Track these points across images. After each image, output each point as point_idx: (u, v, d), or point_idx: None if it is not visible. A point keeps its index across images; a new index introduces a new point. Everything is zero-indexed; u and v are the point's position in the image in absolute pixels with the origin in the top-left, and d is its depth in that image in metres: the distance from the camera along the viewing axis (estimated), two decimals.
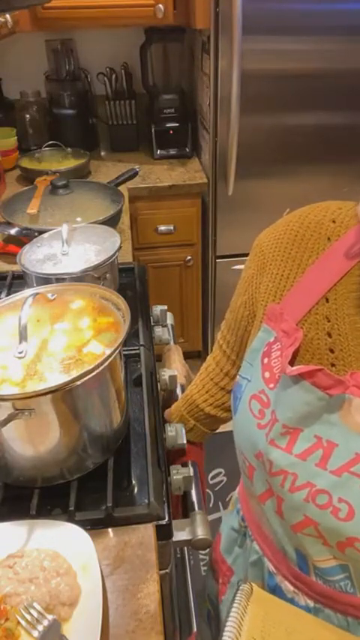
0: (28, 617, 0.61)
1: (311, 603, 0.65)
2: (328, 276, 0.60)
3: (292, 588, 0.67)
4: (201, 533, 0.76)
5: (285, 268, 0.64)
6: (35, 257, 1.07)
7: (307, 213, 0.65)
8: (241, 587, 0.65)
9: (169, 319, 1.24)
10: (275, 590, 0.69)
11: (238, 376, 0.68)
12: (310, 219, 0.64)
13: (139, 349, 1.03)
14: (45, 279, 1.02)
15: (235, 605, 0.63)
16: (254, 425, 0.62)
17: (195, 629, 0.97)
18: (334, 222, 0.62)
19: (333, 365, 0.59)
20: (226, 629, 0.60)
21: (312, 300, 0.60)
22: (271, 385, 0.61)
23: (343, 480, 0.55)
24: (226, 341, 0.80)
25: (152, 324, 1.17)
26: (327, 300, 0.60)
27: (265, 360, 0.62)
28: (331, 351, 0.59)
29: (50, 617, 0.61)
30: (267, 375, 0.62)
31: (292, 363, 0.58)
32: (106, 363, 0.72)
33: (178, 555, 1.13)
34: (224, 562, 0.86)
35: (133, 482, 0.80)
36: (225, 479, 2.01)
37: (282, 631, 0.61)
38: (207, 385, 0.85)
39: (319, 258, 0.62)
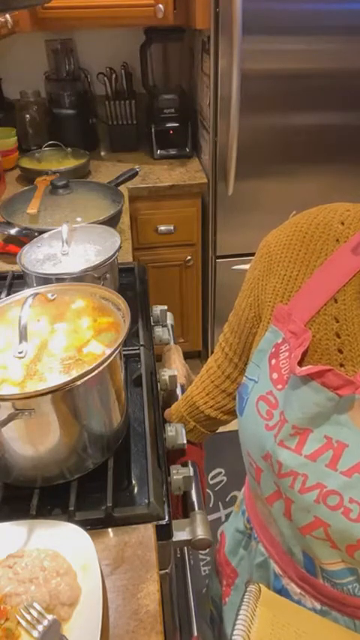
0: (28, 617, 0.61)
1: (318, 606, 0.65)
2: (337, 277, 0.60)
3: (298, 590, 0.67)
4: (201, 533, 0.76)
5: (293, 269, 0.64)
6: (35, 257, 1.07)
7: (316, 215, 0.64)
8: (248, 589, 0.65)
9: (169, 319, 1.24)
10: (281, 593, 0.69)
11: (244, 377, 0.68)
12: (318, 221, 0.64)
13: (139, 349, 1.03)
14: (45, 279, 1.02)
15: (243, 607, 0.63)
16: (262, 426, 0.61)
17: (195, 630, 0.97)
18: (342, 223, 0.62)
19: (342, 365, 0.59)
20: (235, 631, 0.60)
21: (320, 300, 0.60)
22: (280, 386, 0.61)
23: (353, 480, 0.55)
24: (228, 343, 0.80)
25: (152, 324, 1.17)
26: (335, 301, 0.60)
27: (273, 361, 0.62)
28: (340, 351, 0.59)
29: (50, 617, 0.61)
30: (275, 376, 0.61)
31: (300, 363, 0.58)
32: (106, 363, 0.72)
33: (178, 555, 1.13)
34: (228, 564, 0.86)
35: (133, 482, 0.80)
36: (225, 479, 2.01)
37: (291, 633, 0.60)
38: (208, 387, 0.85)
39: (327, 259, 0.61)
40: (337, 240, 0.62)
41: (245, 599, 0.64)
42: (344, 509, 0.55)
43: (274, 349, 0.63)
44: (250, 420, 0.64)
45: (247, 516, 0.80)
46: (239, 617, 0.61)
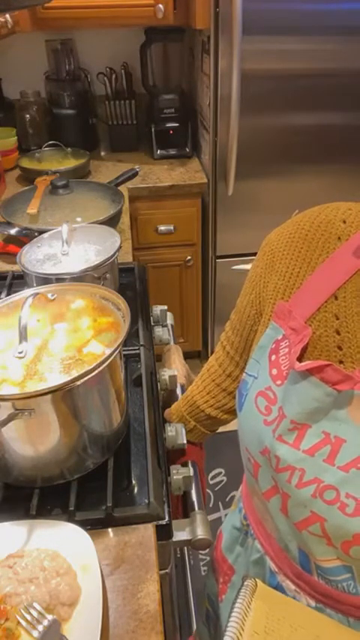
0: (28, 617, 0.61)
1: (313, 603, 0.65)
2: (338, 275, 0.60)
3: (293, 587, 0.67)
4: (201, 533, 0.76)
5: (295, 267, 0.64)
6: (35, 257, 1.07)
7: (318, 214, 0.65)
8: (245, 583, 0.65)
9: (169, 319, 1.24)
10: (276, 589, 0.69)
11: (244, 373, 0.68)
12: (320, 219, 0.64)
13: (139, 349, 1.03)
14: (45, 279, 1.02)
15: (239, 600, 0.63)
16: (260, 421, 0.62)
17: (195, 630, 0.97)
18: (344, 222, 0.63)
19: (341, 362, 0.59)
20: (229, 624, 0.60)
21: (321, 298, 0.61)
22: (279, 382, 0.61)
23: (350, 475, 0.55)
24: (230, 341, 0.80)
25: (152, 324, 1.17)
26: (336, 298, 0.60)
27: (273, 357, 0.63)
28: (340, 348, 0.59)
29: (50, 617, 0.61)
30: (274, 371, 0.62)
31: (300, 360, 0.58)
32: (106, 363, 0.72)
33: (178, 555, 1.14)
34: (225, 561, 0.86)
35: (133, 482, 0.80)
36: (225, 479, 2.01)
37: (286, 627, 0.61)
38: (208, 386, 0.85)
39: (329, 257, 0.62)
40: (339, 238, 0.62)
41: (241, 593, 0.64)
42: (340, 504, 0.55)
43: (274, 345, 0.63)
44: (249, 416, 0.64)
45: (243, 513, 0.80)
46: (234, 610, 0.61)
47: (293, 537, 0.63)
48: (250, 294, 0.72)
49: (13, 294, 0.86)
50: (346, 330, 0.59)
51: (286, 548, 0.65)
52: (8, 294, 1.16)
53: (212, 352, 0.87)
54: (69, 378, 0.68)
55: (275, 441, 0.59)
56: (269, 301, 0.67)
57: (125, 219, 1.66)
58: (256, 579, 0.67)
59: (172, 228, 2.07)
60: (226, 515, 1.73)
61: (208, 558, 1.76)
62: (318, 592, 0.64)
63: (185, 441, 0.86)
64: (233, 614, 0.61)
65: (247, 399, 0.65)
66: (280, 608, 0.63)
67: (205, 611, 0.96)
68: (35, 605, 0.62)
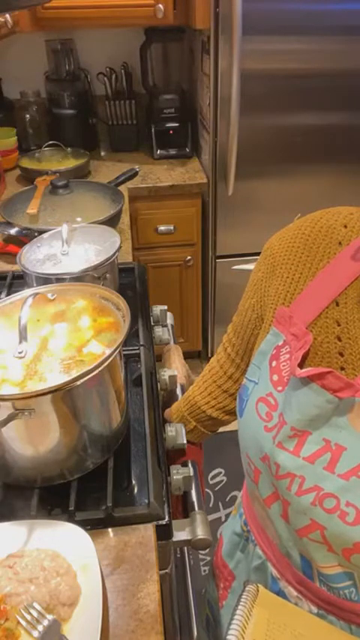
0: (28, 617, 0.61)
1: (315, 609, 0.65)
2: (339, 280, 0.60)
3: (295, 594, 0.67)
4: (201, 533, 0.76)
5: (296, 272, 0.64)
6: (35, 257, 1.07)
7: (319, 218, 0.65)
8: (247, 589, 0.65)
9: (169, 319, 1.24)
10: (278, 596, 0.69)
11: (244, 379, 0.68)
12: (321, 224, 0.64)
13: (139, 349, 1.03)
14: (45, 279, 1.02)
15: (240, 606, 0.62)
16: (261, 427, 0.61)
17: (195, 630, 0.97)
18: (345, 227, 0.62)
19: (342, 368, 0.59)
20: (230, 630, 0.59)
21: (322, 303, 0.60)
22: (280, 388, 0.60)
23: (351, 483, 0.54)
24: (231, 344, 0.80)
25: (152, 324, 1.17)
26: (337, 304, 0.60)
27: (274, 363, 0.62)
28: (341, 354, 0.59)
29: (50, 617, 0.61)
30: (275, 377, 0.61)
31: (301, 366, 0.58)
32: (106, 363, 0.72)
33: (178, 555, 1.14)
34: (226, 567, 0.85)
35: (133, 482, 0.80)
36: (225, 479, 2.01)
37: (287, 634, 0.60)
38: (209, 387, 0.85)
39: (330, 262, 0.62)
40: (340, 243, 0.62)
41: (242, 599, 0.63)
42: (341, 512, 0.55)
43: (274, 351, 0.63)
44: (250, 422, 0.63)
45: (244, 519, 0.79)
46: (235, 616, 0.61)
47: (294, 544, 0.62)
48: (252, 298, 0.72)
49: (13, 294, 0.86)
50: (347, 337, 0.59)
51: (288, 554, 0.65)
52: (8, 294, 1.16)
53: (212, 352, 0.87)
54: (69, 378, 0.68)
55: (275, 448, 0.59)
56: (270, 306, 0.67)
57: (125, 219, 1.66)
58: (258, 585, 0.66)
59: (172, 228, 2.08)
60: (226, 515, 1.73)
61: (208, 558, 1.76)
62: (320, 599, 0.64)
63: (185, 441, 0.86)
64: (234, 620, 0.60)
65: (248, 404, 0.65)
66: (281, 615, 0.63)
67: (205, 617, 0.96)
68: (35, 605, 0.62)
